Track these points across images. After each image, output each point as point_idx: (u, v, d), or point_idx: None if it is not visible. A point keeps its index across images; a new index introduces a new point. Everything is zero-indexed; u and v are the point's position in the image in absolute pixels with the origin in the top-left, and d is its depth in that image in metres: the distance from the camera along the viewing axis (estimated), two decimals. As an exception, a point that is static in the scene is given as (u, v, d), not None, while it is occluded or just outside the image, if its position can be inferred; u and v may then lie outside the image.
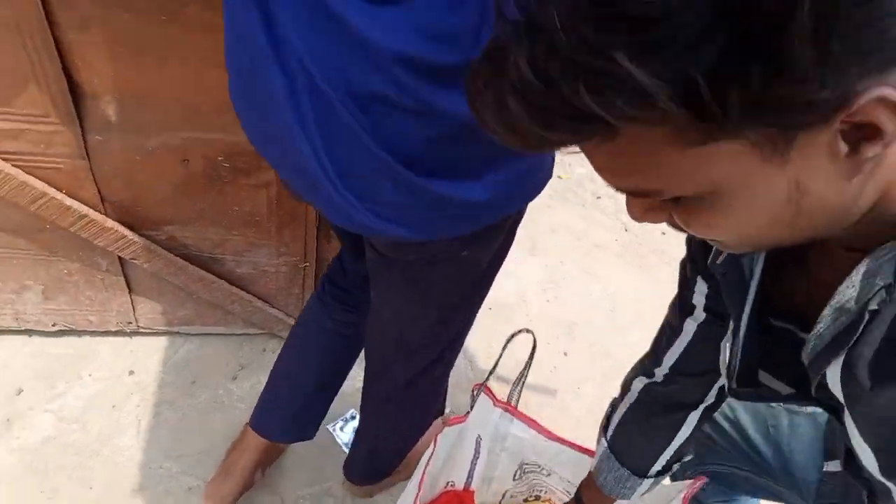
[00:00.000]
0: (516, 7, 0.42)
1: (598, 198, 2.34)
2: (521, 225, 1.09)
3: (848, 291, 0.51)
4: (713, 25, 0.35)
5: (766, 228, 0.48)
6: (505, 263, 1.14)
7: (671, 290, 0.81)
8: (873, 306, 0.49)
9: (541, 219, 2.21)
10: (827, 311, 0.53)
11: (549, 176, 1.00)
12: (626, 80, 0.36)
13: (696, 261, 0.74)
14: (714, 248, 0.67)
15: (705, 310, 0.77)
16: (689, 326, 0.80)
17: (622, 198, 0.51)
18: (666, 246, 2.20)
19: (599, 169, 0.48)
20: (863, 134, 0.43)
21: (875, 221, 0.49)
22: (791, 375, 0.67)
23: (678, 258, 0.79)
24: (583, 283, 2.08)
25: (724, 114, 0.38)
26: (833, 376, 0.55)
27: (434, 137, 0.83)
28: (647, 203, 0.51)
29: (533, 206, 1.04)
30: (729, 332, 0.69)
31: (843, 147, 0.43)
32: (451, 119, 0.81)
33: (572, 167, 2.42)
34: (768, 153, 0.42)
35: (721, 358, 0.73)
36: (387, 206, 0.88)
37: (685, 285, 0.78)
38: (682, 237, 0.63)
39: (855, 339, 0.51)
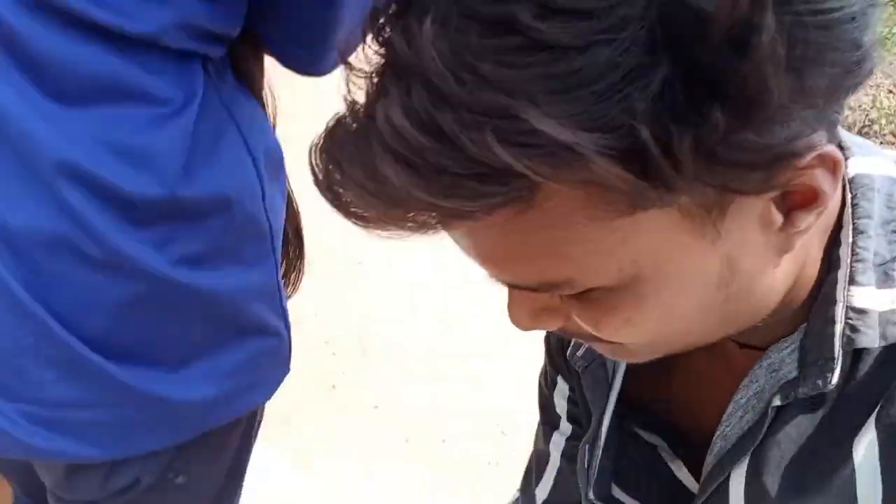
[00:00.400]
0: (374, 49, 0.34)
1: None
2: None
3: (752, 386, 0.47)
4: (652, 51, 0.29)
5: (692, 321, 0.42)
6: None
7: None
8: (776, 402, 0.45)
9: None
10: (731, 409, 0.48)
11: (290, 356, 0.79)
12: (541, 131, 0.29)
13: (555, 358, 0.64)
14: (573, 340, 0.58)
15: (569, 419, 0.66)
16: (556, 444, 0.67)
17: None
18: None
19: (488, 255, 0.38)
20: (794, 201, 0.38)
21: (780, 312, 0.44)
22: (649, 496, 0.58)
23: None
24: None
25: (676, 169, 0.31)
26: (736, 485, 0.49)
27: (129, 303, 0.61)
28: (541, 302, 0.42)
29: None
30: (589, 432, 0.59)
31: (778, 217, 0.38)
32: (156, 278, 0.61)
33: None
34: (699, 224, 0.36)
35: (579, 461, 0.61)
36: (51, 407, 0.62)
37: (547, 393, 0.67)
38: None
39: (760, 439, 0.47)
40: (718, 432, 0.49)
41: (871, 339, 0.43)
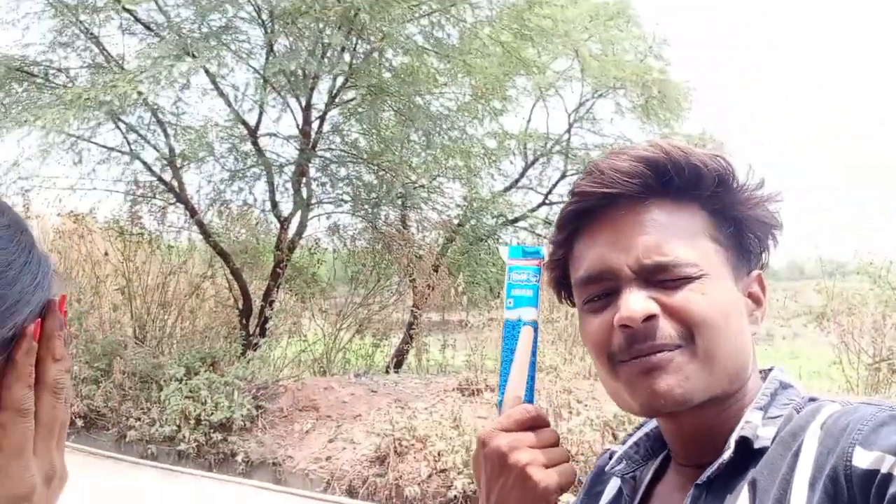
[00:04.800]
0: None
1: None
2: None
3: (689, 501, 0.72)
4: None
5: (727, 317, 0.72)
6: None
7: None
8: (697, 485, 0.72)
9: None
10: None
11: None
12: None
13: None
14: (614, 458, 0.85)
15: None
16: None
17: None
18: None
19: (657, 240, 0.72)
20: (751, 300, 0.78)
21: (729, 409, 0.74)
22: None
23: None
24: None
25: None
26: None
27: None
28: (649, 294, 0.72)
29: None
30: None
31: (750, 304, 0.77)
32: None
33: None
34: (732, 276, 0.75)
35: None
36: None
37: None
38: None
39: None
40: None
41: (753, 434, 0.70)
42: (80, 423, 7.24)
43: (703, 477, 0.71)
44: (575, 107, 10.65)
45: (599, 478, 0.90)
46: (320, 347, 9.26)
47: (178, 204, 8.97)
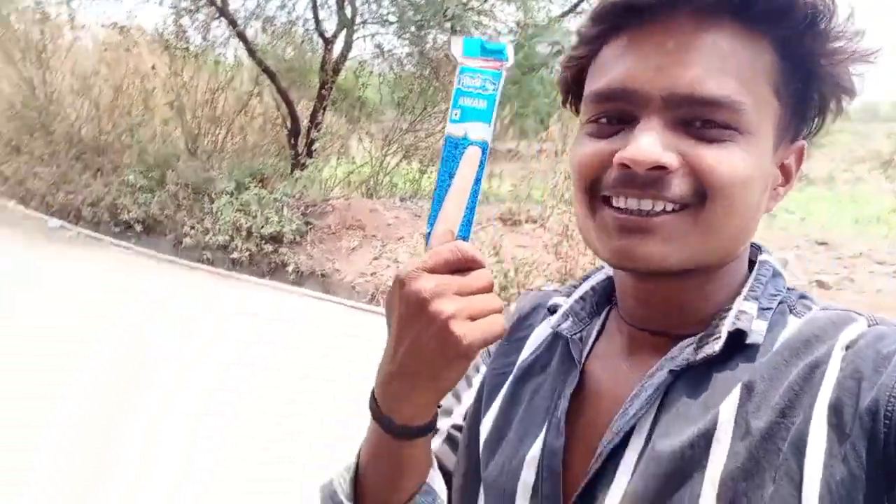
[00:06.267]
0: None
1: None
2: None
3: (656, 374, 0.63)
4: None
5: (751, 191, 0.60)
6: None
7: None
8: (672, 367, 0.62)
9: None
10: (637, 390, 0.63)
11: None
12: None
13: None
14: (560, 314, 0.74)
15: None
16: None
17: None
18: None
19: (710, 70, 0.57)
20: (781, 174, 0.64)
21: (711, 284, 0.64)
22: None
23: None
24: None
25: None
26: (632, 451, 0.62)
27: None
28: (671, 140, 0.58)
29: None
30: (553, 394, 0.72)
31: (778, 177, 0.64)
32: None
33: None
34: (774, 141, 0.61)
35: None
36: None
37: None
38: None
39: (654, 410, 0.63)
40: (622, 410, 0.63)
41: (748, 327, 0.61)
42: (138, 227, 7.63)
43: (683, 363, 0.62)
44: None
45: (522, 324, 0.81)
46: (367, 170, 9.34)
47: (220, 18, 8.72)
